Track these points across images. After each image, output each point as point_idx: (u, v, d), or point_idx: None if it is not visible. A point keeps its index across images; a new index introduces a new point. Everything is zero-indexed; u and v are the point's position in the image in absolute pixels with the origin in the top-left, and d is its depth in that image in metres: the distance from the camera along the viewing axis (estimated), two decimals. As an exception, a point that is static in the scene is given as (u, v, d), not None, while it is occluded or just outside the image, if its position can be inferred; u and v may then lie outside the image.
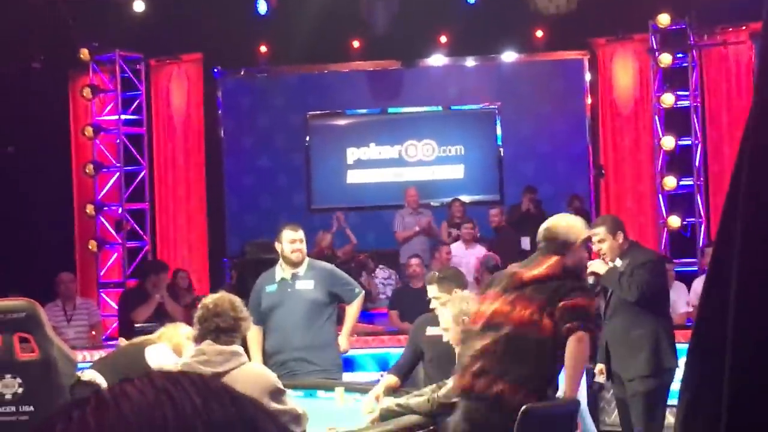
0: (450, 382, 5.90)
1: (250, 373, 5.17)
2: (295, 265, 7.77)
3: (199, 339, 5.22)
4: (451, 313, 6.11)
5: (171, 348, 7.02)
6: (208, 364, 5.08)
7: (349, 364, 9.01)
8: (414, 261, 11.65)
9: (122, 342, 7.76)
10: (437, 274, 7.11)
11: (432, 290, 6.94)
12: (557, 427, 5.49)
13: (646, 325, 7.15)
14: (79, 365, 8.45)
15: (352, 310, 7.94)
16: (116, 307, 13.69)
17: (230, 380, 5.06)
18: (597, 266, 7.33)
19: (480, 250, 12.91)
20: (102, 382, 6.72)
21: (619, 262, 7.27)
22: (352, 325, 8.06)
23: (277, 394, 5.12)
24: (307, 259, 7.89)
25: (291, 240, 7.77)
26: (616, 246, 7.31)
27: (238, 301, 5.30)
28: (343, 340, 7.88)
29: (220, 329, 5.13)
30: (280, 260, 7.85)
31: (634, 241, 7.70)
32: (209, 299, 5.27)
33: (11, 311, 6.88)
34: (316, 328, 7.72)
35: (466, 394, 5.61)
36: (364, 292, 8.14)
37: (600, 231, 7.34)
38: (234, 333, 5.17)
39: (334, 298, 7.82)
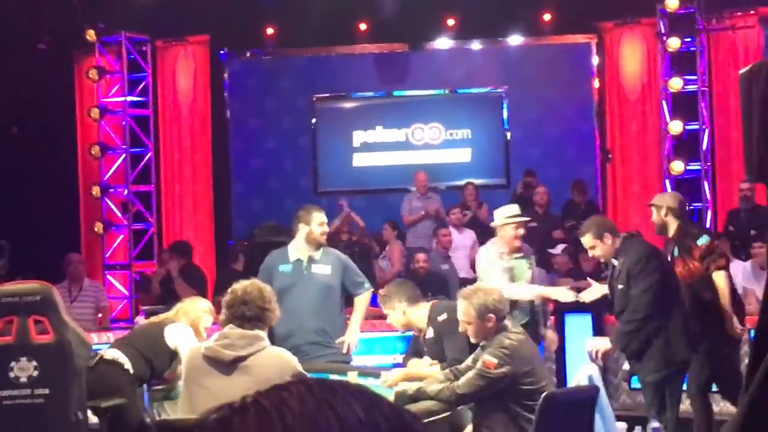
0: (470, 374, 5.87)
1: (272, 356, 5.17)
2: (316, 248, 7.74)
3: (224, 323, 5.22)
4: (475, 309, 6.00)
5: (188, 323, 7.00)
6: (230, 348, 5.09)
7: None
8: (420, 257, 11.64)
9: (140, 321, 7.76)
10: (381, 292, 7.32)
11: (383, 308, 7.14)
12: (579, 412, 5.48)
13: (653, 327, 7.08)
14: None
15: (361, 306, 7.87)
16: (122, 289, 13.74)
17: (253, 363, 5.07)
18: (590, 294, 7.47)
19: (470, 235, 12.91)
20: (125, 361, 6.71)
21: (616, 262, 7.24)
22: (361, 322, 7.91)
23: (299, 377, 5.11)
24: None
25: (320, 222, 7.75)
26: (607, 249, 7.29)
27: (268, 290, 5.29)
28: (351, 336, 7.76)
29: (245, 317, 5.13)
30: (297, 241, 7.81)
31: (626, 235, 7.55)
32: (239, 285, 5.25)
33: (26, 294, 6.89)
34: (331, 313, 7.71)
35: None
36: (372, 289, 8.05)
37: (586, 239, 7.33)
38: (259, 322, 5.17)
39: (344, 288, 7.82)
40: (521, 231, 7.87)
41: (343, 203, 13.54)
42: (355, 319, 7.83)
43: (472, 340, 6.10)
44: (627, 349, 7.20)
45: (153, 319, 7.29)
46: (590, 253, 7.49)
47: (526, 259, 7.96)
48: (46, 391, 6.78)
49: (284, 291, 7.63)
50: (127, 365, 6.73)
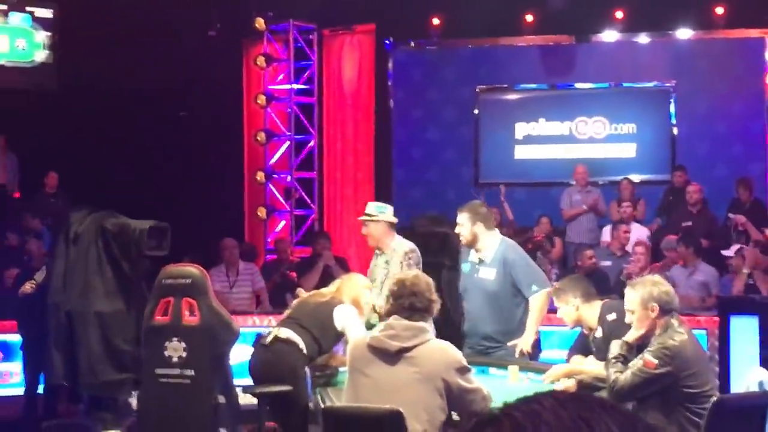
0: (631, 371, 5.72)
1: (436, 348, 5.16)
2: (477, 250, 7.60)
3: (389, 313, 5.23)
4: (640, 296, 5.88)
5: (350, 299, 7.02)
6: (395, 339, 5.10)
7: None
8: (588, 253, 11.52)
9: (301, 292, 7.74)
10: (555, 285, 7.11)
11: (555, 301, 6.90)
12: (750, 419, 5.32)
13: None
14: (246, 331, 8.66)
15: (535, 308, 7.39)
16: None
17: (417, 355, 5.07)
18: None
19: (639, 229, 12.68)
20: (299, 341, 6.75)
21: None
22: (537, 325, 7.49)
23: (463, 371, 5.10)
24: (502, 243, 7.62)
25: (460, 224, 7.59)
26: None
27: (432, 282, 5.31)
28: (524, 341, 7.38)
29: (414, 308, 5.16)
30: None
31: None
32: (406, 276, 5.29)
33: (180, 276, 7.11)
34: (499, 318, 7.50)
35: None
36: (546, 290, 7.39)
37: None
38: (426, 313, 5.20)
39: (518, 288, 7.50)
40: (363, 230, 8.11)
41: (501, 187, 13.43)
42: (530, 323, 7.43)
43: (635, 331, 5.90)
44: None
45: (317, 296, 7.24)
46: None
47: (384, 257, 8.04)
48: (192, 372, 6.98)
49: (462, 292, 7.69)
50: (302, 345, 6.75)
